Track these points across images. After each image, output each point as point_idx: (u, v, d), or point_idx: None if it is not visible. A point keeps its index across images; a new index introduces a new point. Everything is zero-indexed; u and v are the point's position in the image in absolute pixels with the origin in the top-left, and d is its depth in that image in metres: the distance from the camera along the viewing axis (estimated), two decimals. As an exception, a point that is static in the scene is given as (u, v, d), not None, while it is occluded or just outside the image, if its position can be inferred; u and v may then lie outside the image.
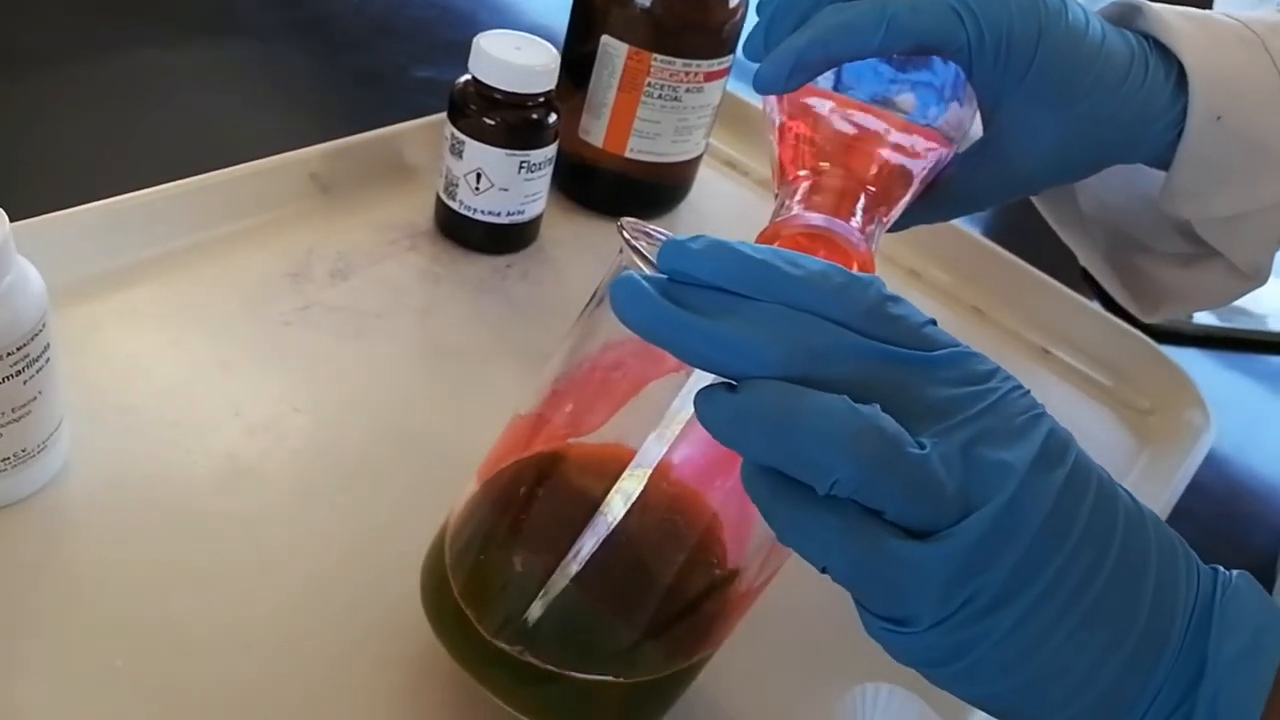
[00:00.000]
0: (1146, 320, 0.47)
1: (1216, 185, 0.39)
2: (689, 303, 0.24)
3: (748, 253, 0.24)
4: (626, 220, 0.29)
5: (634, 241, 0.27)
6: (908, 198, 0.38)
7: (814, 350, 0.23)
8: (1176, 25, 0.38)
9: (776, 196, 0.37)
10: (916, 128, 0.38)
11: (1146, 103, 0.38)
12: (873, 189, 0.36)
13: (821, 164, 0.36)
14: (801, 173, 0.36)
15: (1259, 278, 0.43)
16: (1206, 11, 0.40)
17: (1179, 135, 0.38)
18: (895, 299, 0.24)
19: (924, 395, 0.23)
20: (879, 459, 0.22)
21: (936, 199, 0.40)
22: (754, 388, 0.23)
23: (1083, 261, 0.48)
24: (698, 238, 0.25)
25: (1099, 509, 0.24)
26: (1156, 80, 0.38)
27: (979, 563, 0.23)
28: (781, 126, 0.38)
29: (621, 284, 0.24)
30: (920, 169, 0.38)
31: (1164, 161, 0.40)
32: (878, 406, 0.23)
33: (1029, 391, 0.25)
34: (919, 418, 0.23)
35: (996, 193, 0.41)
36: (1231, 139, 0.38)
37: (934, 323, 0.25)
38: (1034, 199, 0.48)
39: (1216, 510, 0.56)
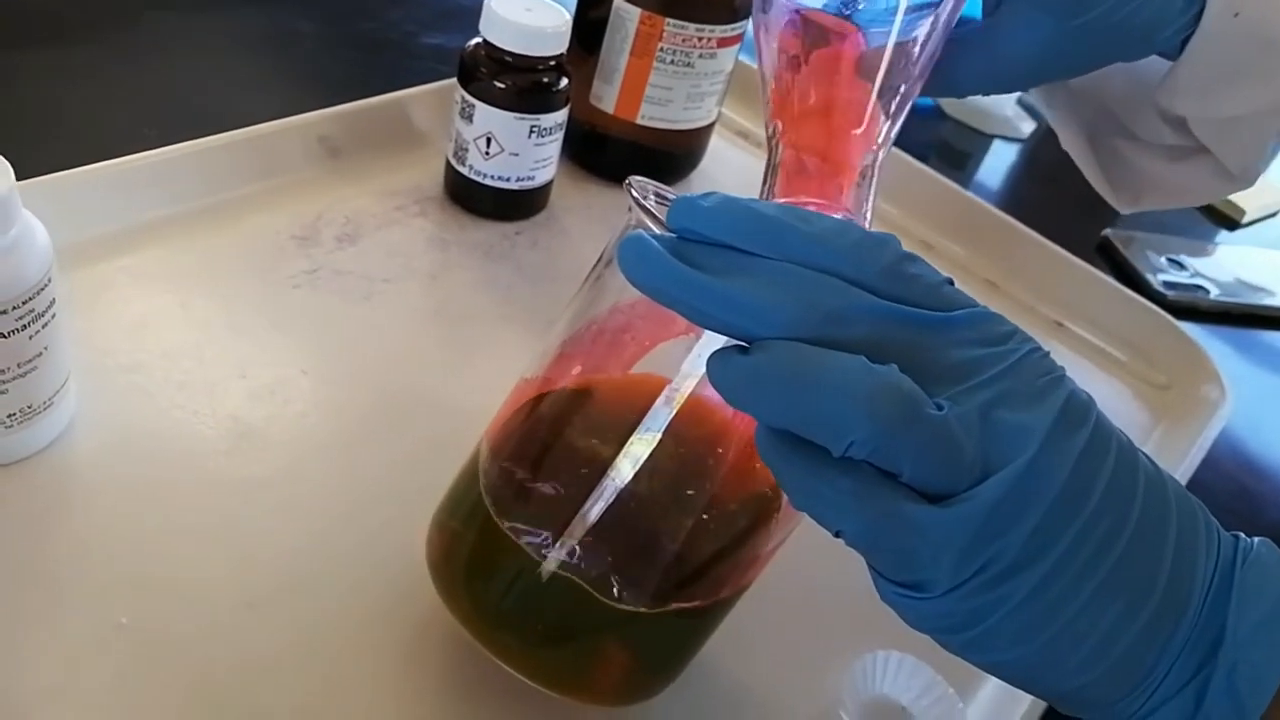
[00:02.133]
0: (1124, 210, 0.46)
1: (1223, 84, 0.38)
2: (699, 261, 0.23)
3: (760, 210, 0.23)
4: (635, 179, 0.28)
5: (643, 200, 0.27)
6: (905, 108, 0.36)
7: (828, 310, 0.22)
8: None
9: (769, 141, 0.36)
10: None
11: (1161, 10, 0.36)
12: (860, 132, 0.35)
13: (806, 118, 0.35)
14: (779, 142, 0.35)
15: (1246, 179, 0.42)
16: None
17: (1189, 35, 0.37)
18: (912, 257, 0.24)
19: (942, 356, 0.23)
20: (897, 418, 0.22)
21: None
22: (767, 349, 0.22)
23: (1063, 142, 0.46)
24: (709, 195, 0.24)
25: (1119, 473, 0.23)
26: None
27: (996, 528, 0.22)
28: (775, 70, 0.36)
29: (630, 243, 0.23)
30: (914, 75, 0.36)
31: (1168, 54, 0.39)
32: (895, 367, 0.22)
33: (1049, 354, 0.24)
34: (936, 379, 0.23)
35: (978, 85, 0.39)
36: (1246, 36, 0.37)
37: (951, 282, 0.24)
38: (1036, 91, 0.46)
39: (1230, 486, 0.55)
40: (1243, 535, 0.25)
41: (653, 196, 0.28)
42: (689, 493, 0.31)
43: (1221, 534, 0.25)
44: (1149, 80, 0.40)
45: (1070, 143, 0.46)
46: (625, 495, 0.30)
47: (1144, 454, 0.25)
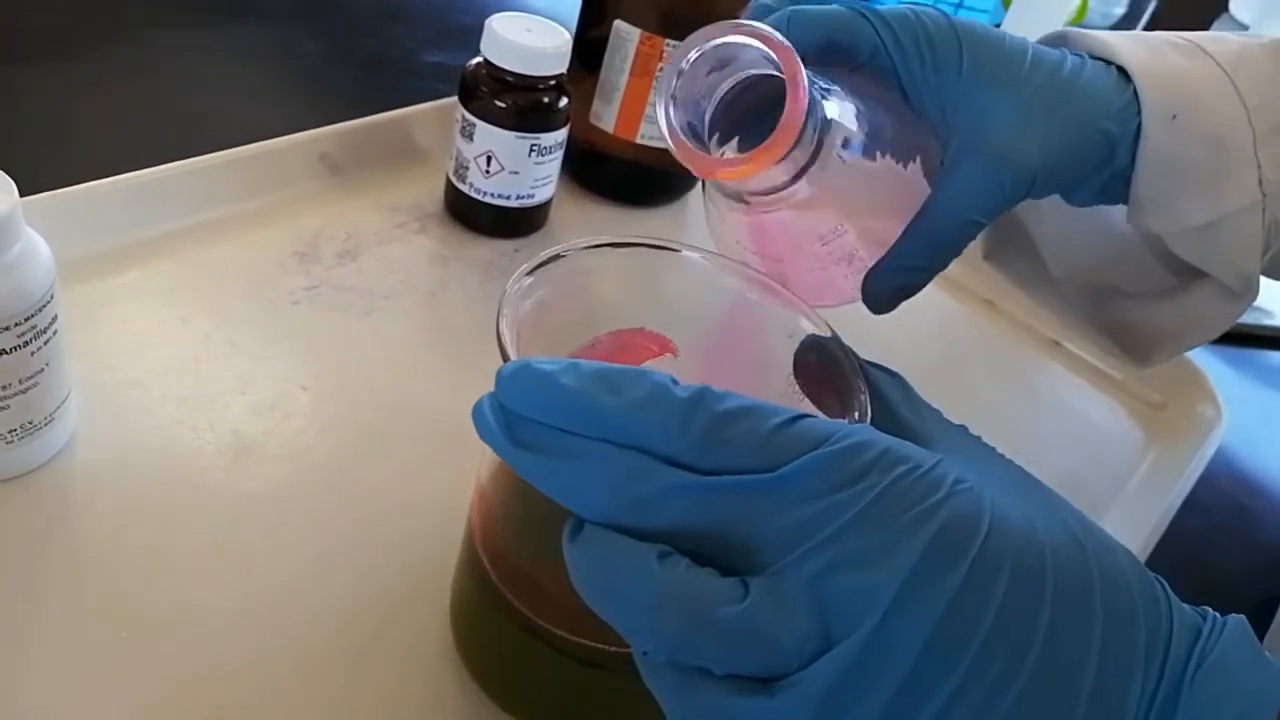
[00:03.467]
0: (1145, 366, 0.43)
1: (1182, 189, 0.36)
2: (530, 441, 0.22)
3: (567, 384, 0.22)
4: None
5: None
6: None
7: (636, 497, 0.21)
8: (1108, 38, 0.36)
9: None
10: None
11: (1093, 90, 0.34)
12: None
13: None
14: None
15: (1249, 292, 0.38)
16: (1140, 33, 0.38)
17: (1134, 155, 0.35)
18: (737, 412, 0.21)
19: (768, 524, 0.21)
20: (683, 626, 0.20)
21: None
22: (582, 540, 0.21)
23: (1065, 324, 0.46)
24: (523, 368, 0.22)
25: (1016, 600, 0.20)
26: (1097, 72, 0.35)
27: (843, 701, 0.20)
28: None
29: (475, 412, 0.23)
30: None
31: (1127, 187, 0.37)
32: (686, 562, 0.21)
33: (933, 467, 0.21)
34: (762, 550, 0.21)
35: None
36: (1190, 137, 0.35)
37: (800, 418, 0.22)
38: (1003, 270, 0.45)
39: (1227, 504, 0.55)
40: (1211, 616, 0.23)
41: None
42: None
43: (1177, 630, 0.22)
44: (1125, 231, 0.39)
45: (1070, 322, 0.44)
46: None
47: (1079, 532, 0.23)
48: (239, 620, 0.34)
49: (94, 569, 0.35)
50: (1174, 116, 0.35)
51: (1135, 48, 0.36)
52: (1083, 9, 0.99)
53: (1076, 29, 0.38)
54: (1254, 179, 0.36)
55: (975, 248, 0.62)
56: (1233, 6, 1.02)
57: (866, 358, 0.31)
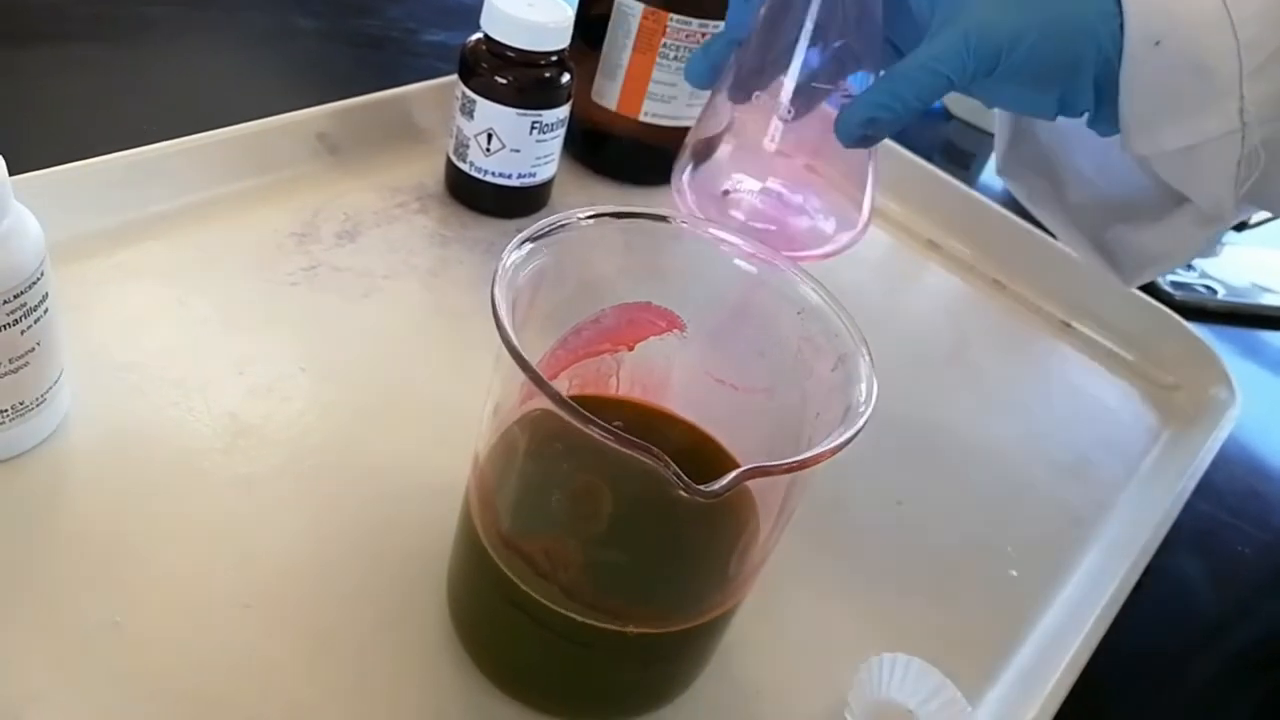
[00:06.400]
0: (1129, 285, 0.46)
1: (1164, 115, 0.38)
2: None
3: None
4: None
5: None
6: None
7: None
8: None
9: None
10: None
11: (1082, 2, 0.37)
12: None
13: None
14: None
15: (1222, 217, 0.40)
16: None
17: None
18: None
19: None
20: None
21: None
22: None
23: (1067, 243, 0.48)
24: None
25: None
26: None
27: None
28: None
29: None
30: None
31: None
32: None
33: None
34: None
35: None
36: (1173, 64, 0.37)
37: None
38: (1016, 185, 0.49)
39: (1240, 488, 0.55)
40: None
41: None
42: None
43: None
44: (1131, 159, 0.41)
45: (1074, 243, 0.48)
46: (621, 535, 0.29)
47: None
48: (235, 603, 0.34)
49: (88, 552, 0.34)
50: (1157, 43, 0.37)
51: None
52: None
53: None
54: (1235, 108, 0.37)
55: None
56: None
57: (875, 338, 0.30)
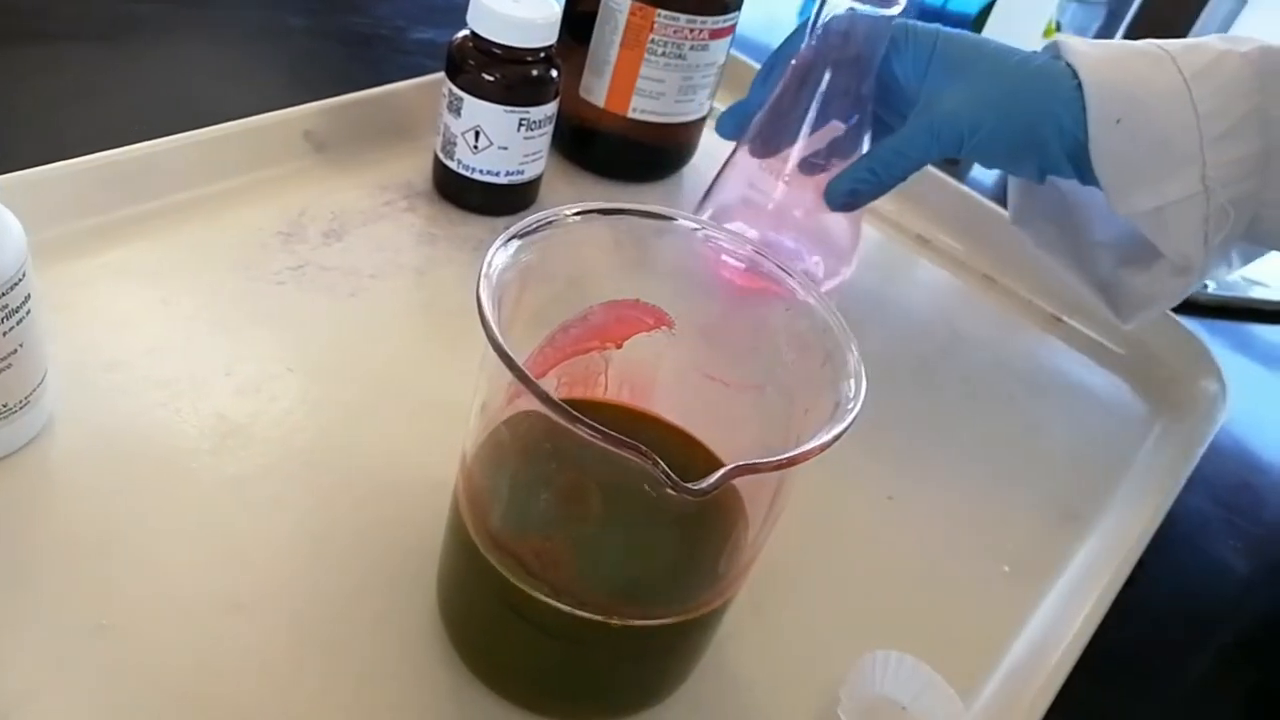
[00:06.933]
0: (1126, 325, 0.50)
1: (1134, 180, 0.43)
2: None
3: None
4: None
5: None
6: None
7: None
8: (1076, 45, 0.44)
9: None
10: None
11: (1040, 83, 0.43)
12: None
13: None
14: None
15: (1190, 271, 0.44)
16: (1125, 41, 0.46)
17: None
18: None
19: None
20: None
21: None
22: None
23: (1076, 285, 0.52)
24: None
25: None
26: (1056, 72, 0.43)
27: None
28: None
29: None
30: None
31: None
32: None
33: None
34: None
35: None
36: (1134, 139, 0.42)
37: None
38: (1030, 232, 0.53)
39: (1232, 480, 0.55)
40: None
41: None
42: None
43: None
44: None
45: (1078, 281, 0.52)
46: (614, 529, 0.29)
47: None
48: (224, 604, 0.33)
49: (76, 554, 0.34)
50: (1118, 121, 0.42)
51: (1096, 55, 0.43)
52: (1049, 30, 1.00)
53: (1071, 38, 0.45)
54: (1197, 174, 0.42)
55: (990, 233, 0.61)
56: None
57: (866, 334, 0.30)
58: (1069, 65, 0.43)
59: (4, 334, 0.33)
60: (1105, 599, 0.41)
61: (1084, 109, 0.42)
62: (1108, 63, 0.43)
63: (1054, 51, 0.45)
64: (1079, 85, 0.42)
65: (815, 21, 0.45)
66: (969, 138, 0.44)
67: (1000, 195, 0.72)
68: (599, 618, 0.29)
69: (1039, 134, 0.43)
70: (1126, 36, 1.09)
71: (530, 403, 0.25)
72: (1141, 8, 1.01)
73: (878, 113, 0.47)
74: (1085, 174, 0.44)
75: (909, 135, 0.45)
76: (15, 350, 0.33)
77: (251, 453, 0.38)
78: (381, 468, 0.39)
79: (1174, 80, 0.42)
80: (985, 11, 0.85)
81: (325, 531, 0.36)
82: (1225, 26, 1.09)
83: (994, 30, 0.86)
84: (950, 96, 0.44)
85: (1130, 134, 0.42)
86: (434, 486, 0.35)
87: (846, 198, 0.46)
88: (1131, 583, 0.43)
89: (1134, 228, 0.45)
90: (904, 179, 0.46)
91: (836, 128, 0.47)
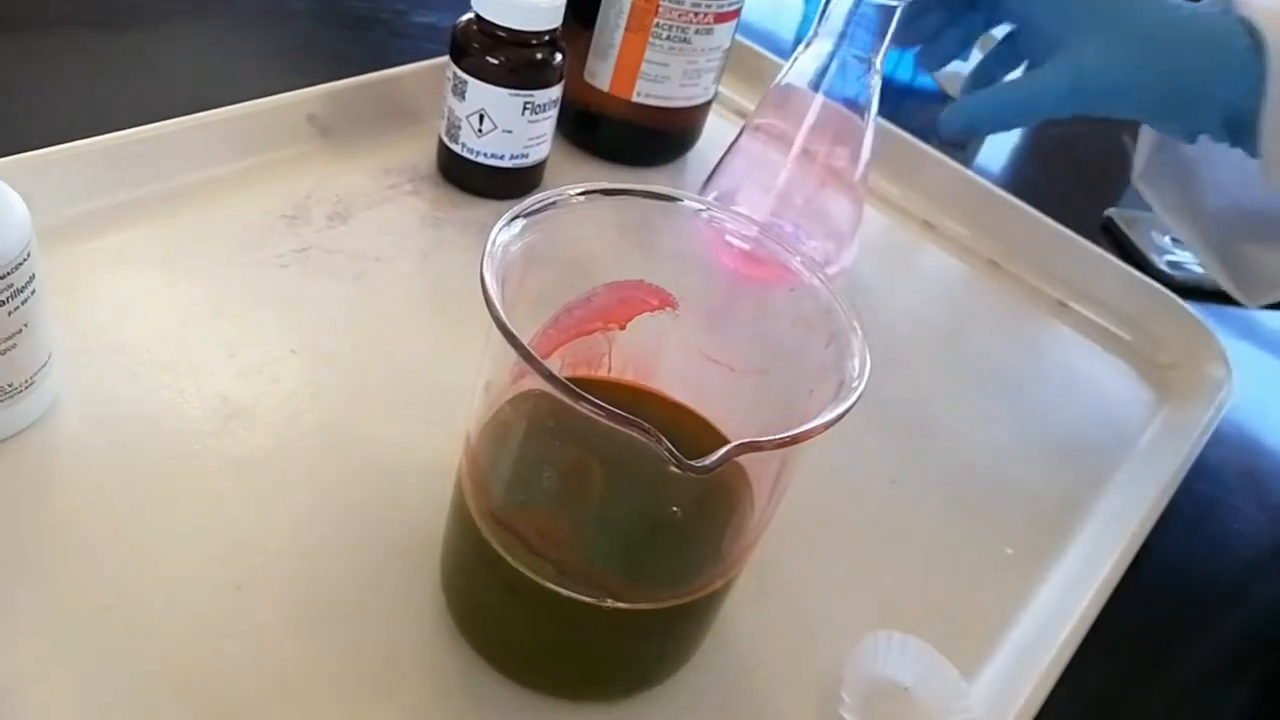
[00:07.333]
0: (1250, 303, 0.48)
1: None
2: None
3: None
4: None
5: None
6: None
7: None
8: (1259, 2, 0.39)
9: None
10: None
11: (1214, 43, 0.38)
12: None
13: None
14: None
15: None
16: None
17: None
18: None
19: None
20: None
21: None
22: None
23: (1196, 254, 0.50)
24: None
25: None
26: (1227, 25, 0.38)
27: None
28: None
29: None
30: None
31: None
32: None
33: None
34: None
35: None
36: None
37: None
38: (1152, 193, 0.50)
39: (1236, 466, 0.55)
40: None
41: None
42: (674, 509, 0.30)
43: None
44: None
45: (1200, 246, 0.48)
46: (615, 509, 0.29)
47: None
48: (228, 585, 0.33)
49: (79, 535, 0.34)
50: None
51: (1277, 11, 0.38)
52: None
53: None
54: None
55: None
56: None
57: (871, 319, 0.30)
58: (1245, 21, 0.38)
59: (9, 313, 0.33)
60: (1109, 583, 0.41)
61: (1260, 76, 0.37)
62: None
63: (1225, 3, 0.40)
64: (1254, 47, 0.38)
65: (824, 10, 0.45)
66: (1118, 97, 0.39)
67: (1007, 182, 0.72)
68: (601, 598, 0.29)
69: (1200, 99, 0.39)
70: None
71: (535, 382, 0.25)
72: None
73: (1011, 36, 0.44)
74: (1243, 140, 0.40)
75: (1048, 82, 0.40)
76: (20, 330, 0.34)
77: (255, 435, 0.38)
78: (385, 449, 0.39)
79: None
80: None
81: (328, 512, 0.36)
82: None
83: None
84: (1102, 47, 0.39)
85: None
86: (437, 467, 0.35)
87: (961, 132, 0.43)
88: (1135, 566, 0.43)
89: (1257, 200, 0.42)
90: (1028, 125, 0.44)
91: (842, 114, 0.47)
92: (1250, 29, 0.38)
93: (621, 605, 0.29)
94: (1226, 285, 0.47)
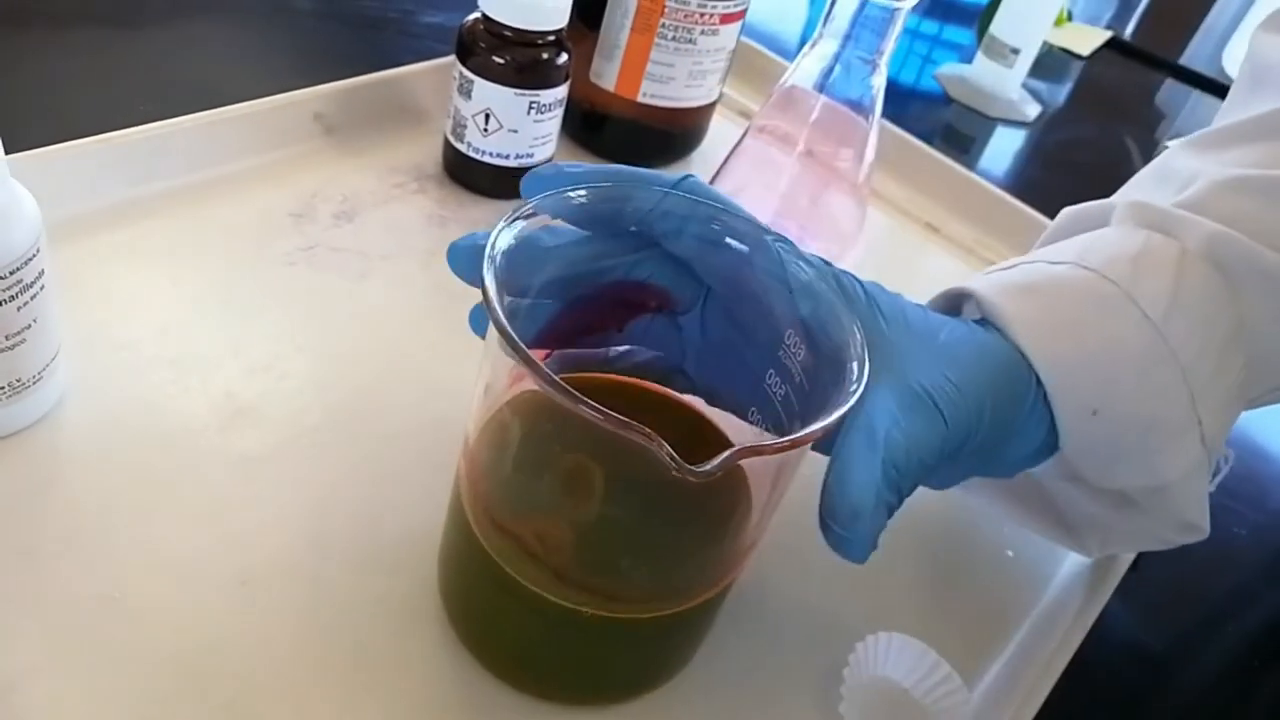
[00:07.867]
0: (1092, 557, 0.42)
1: (1115, 463, 0.34)
2: None
3: None
4: None
5: None
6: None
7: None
8: (1004, 306, 0.34)
9: None
10: None
11: (995, 371, 0.33)
12: None
13: None
14: None
15: (1197, 534, 0.37)
16: (1051, 269, 0.34)
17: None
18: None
19: None
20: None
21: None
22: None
23: (1012, 518, 0.42)
24: None
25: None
26: (1000, 352, 0.33)
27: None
28: None
29: None
30: None
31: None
32: None
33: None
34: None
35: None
36: (1116, 425, 0.33)
37: None
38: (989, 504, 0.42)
39: (1236, 469, 0.54)
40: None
41: None
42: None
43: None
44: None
45: (1020, 517, 0.42)
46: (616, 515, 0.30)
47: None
48: (229, 580, 0.34)
49: (84, 530, 0.34)
50: (1094, 412, 0.33)
51: (1036, 321, 0.33)
52: (1061, 19, 0.98)
53: (978, 281, 0.36)
54: (1195, 439, 0.33)
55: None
56: (1225, 60, 0.99)
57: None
58: (1007, 340, 0.33)
59: (18, 309, 0.33)
60: (1109, 586, 0.42)
61: (1045, 402, 0.33)
62: (1056, 332, 0.33)
63: (974, 312, 0.35)
64: (1029, 365, 0.33)
65: (829, 12, 0.45)
66: (929, 466, 0.32)
67: (1011, 185, 0.72)
68: (600, 604, 0.29)
69: (1003, 445, 0.34)
70: (1138, 26, 1.08)
71: (534, 385, 0.26)
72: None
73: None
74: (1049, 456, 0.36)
75: (853, 471, 0.31)
76: (29, 325, 0.34)
77: (260, 431, 0.39)
78: (388, 448, 0.39)
79: (1143, 334, 0.33)
80: (996, 1, 0.84)
81: (331, 510, 0.37)
82: (1240, 14, 1.08)
83: (1005, 20, 0.82)
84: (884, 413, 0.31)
85: (1109, 422, 0.33)
86: (440, 467, 0.35)
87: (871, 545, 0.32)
88: (1135, 569, 0.43)
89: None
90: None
91: (847, 116, 0.47)
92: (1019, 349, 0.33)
93: (619, 610, 0.29)
94: (1066, 544, 0.41)
